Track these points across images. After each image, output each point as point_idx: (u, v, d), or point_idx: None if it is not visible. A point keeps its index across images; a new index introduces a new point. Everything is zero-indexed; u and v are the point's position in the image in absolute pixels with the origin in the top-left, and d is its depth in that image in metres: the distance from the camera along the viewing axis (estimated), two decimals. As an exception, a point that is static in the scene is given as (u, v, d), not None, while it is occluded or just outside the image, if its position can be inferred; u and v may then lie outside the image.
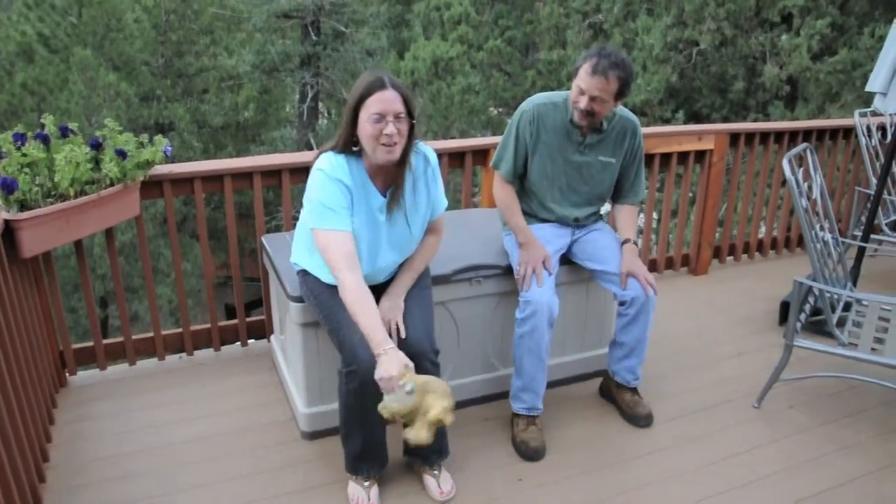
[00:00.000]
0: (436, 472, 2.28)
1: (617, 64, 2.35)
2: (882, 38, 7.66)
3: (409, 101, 2.02)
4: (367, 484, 2.22)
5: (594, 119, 2.46)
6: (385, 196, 2.15)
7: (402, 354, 1.91)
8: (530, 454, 2.45)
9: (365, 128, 1.99)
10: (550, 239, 2.59)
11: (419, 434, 1.86)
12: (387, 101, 1.96)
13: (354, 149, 2.08)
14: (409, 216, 2.19)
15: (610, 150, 2.59)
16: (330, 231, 2.03)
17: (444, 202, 2.34)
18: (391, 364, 1.87)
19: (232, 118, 12.69)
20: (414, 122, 2.07)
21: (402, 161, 2.10)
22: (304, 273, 2.33)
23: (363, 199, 2.12)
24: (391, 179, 2.14)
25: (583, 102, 2.40)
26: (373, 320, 1.95)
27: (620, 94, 2.42)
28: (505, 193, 2.65)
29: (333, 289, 2.21)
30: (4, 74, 10.83)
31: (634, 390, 2.71)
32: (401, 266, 2.30)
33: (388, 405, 1.86)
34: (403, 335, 2.14)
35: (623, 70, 2.36)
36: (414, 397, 1.86)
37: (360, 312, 1.96)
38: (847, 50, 7.88)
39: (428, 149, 2.25)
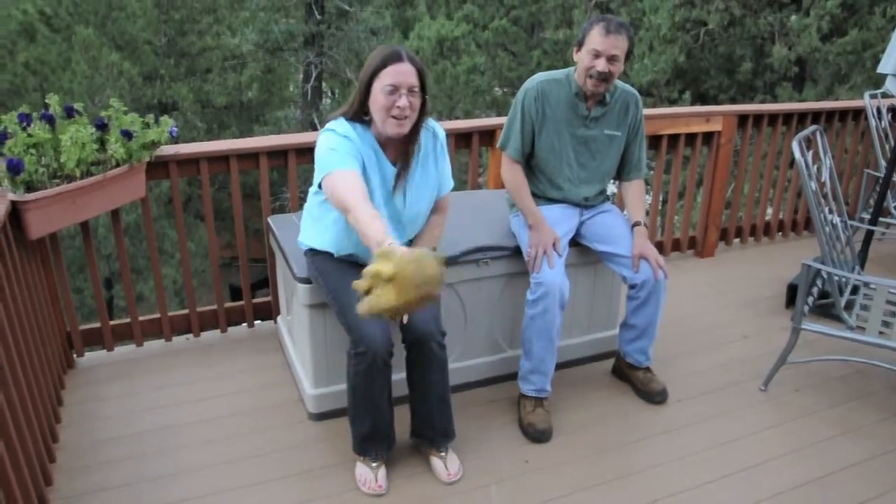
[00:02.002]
0: (443, 453, 2.29)
1: (623, 24, 2.42)
2: (894, 18, 7.56)
3: (423, 75, 2.02)
4: (374, 465, 2.23)
5: (608, 85, 2.47)
6: (395, 167, 2.15)
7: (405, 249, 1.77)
8: (537, 436, 2.46)
9: (378, 98, 1.99)
10: (559, 220, 2.58)
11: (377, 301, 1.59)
12: (402, 73, 1.96)
13: (365, 118, 2.08)
14: (417, 191, 2.19)
15: (615, 123, 2.60)
16: (337, 171, 1.97)
17: (451, 181, 2.35)
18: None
19: (235, 98, 12.64)
20: (426, 97, 2.06)
21: (412, 136, 2.10)
22: (311, 252, 2.33)
23: (375, 163, 2.11)
24: (400, 153, 2.15)
25: (600, 65, 2.40)
26: (376, 223, 1.81)
27: (628, 56, 2.46)
28: (513, 175, 2.64)
29: (342, 269, 2.21)
30: (6, 54, 10.78)
31: (647, 368, 2.72)
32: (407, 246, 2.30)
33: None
34: (405, 320, 2.15)
35: (629, 30, 2.43)
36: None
37: (365, 221, 1.82)
38: (857, 30, 7.77)
39: (437, 125, 2.25)
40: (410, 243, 2.29)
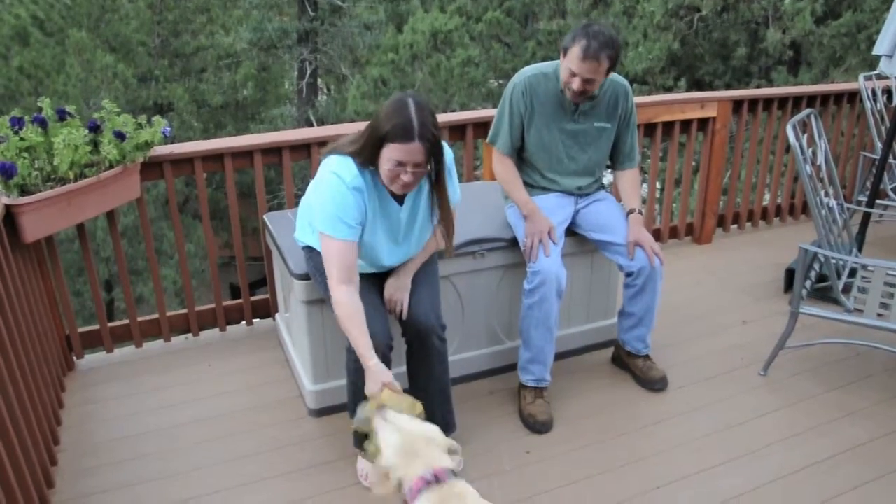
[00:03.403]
0: None
1: (606, 44, 2.32)
2: (888, 0, 7.54)
3: (434, 147, 1.97)
4: None
5: (585, 97, 2.47)
6: (401, 204, 2.14)
7: (385, 371, 1.94)
8: (538, 427, 2.46)
9: (384, 164, 1.97)
10: (554, 209, 2.58)
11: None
12: (409, 152, 1.92)
13: (372, 167, 2.05)
14: (428, 212, 2.19)
15: (604, 115, 2.58)
16: (338, 240, 2.01)
17: (458, 195, 2.32)
18: (372, 383, 1.93)
19: (231, 97, 12.60)
20: (439, 166, 2.05)
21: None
22: (309, 249, 2.32)
23: (380, 207, 2.11)
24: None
25: (575, 84, 2.39)
26: (363, 337, 1.97)
27: (610, 71, 2.42)
28: (504, 168, 2.64)
29: None
30: (0, 58, 10.75)
31: (647, 356, 2.72)
32: None
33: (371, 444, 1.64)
34: (405, 316, 2.17)
35: (612, 48, 2.35)
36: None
37: (352, 328, 1.98)
38: (851, 12, 7.75)
39: (444, 145, 2.23)
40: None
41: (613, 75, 2.59)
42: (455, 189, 2.27)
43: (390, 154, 1.94)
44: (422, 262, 2.30)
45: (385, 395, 1.84)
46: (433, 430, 1.59)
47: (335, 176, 2.01)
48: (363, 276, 2.20)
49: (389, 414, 1.64)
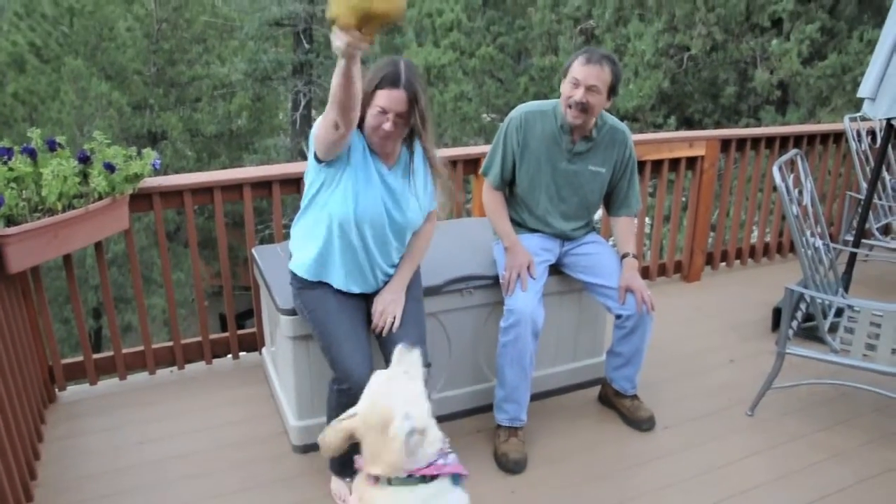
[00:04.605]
0: None
1: (608, 57, 2.41)
2: (871, 43, 7.69)
3: (418, 99, 2.04)
4: (347, 480, 2.24)
5: (588, 117, 2.45)
6: (391, 169, 2.18)
7: None
8: (510, 466, 2.43)
9: (369, 113, 2.05)
10: (537, 251, 2.58)
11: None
12: (393, 99, 2.01)
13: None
14: (410, 199, 2.22)
15: (600, 159, 2.58)
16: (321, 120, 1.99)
17: (435, 202, 2.39)
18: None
19: (225, 126, 12.68)
20: (423, 115, 2.08)
21: (411, 145, 2.19)
22: (298, 283, 2.30)
23: (361, 160, 2.12)
24: (393, 156, 2.19)
25: (578, 94, 2.39)
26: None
27: (612, 91, 2.44)
28: (492, 200, 2.66)
29: (327, 303, 2.20)
30: (-4, 85, 10.80)
31: (634, 396, 2.71)
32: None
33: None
34: (395, 329, 2.18)
35: (615, 64, 2.41)
36: None
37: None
38: (837, 54, 7.89)
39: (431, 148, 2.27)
40: (401, 258, 2.32)
41: (613, 119, 2.60)
42: (433, 194, 2.33)
43: (376, 101, 2.02)
44: (411, 271, 2.30)
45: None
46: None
47: None
48: (345, 294, 2.21)
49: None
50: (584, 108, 2.40)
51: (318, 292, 2.23)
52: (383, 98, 2.01)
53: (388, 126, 2.03)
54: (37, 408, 2.62)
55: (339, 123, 1.90)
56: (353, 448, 2.19)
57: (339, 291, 2.23)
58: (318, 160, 2.09)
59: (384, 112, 2.02)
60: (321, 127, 1.99)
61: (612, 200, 2.72)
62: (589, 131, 2.53)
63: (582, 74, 2.38)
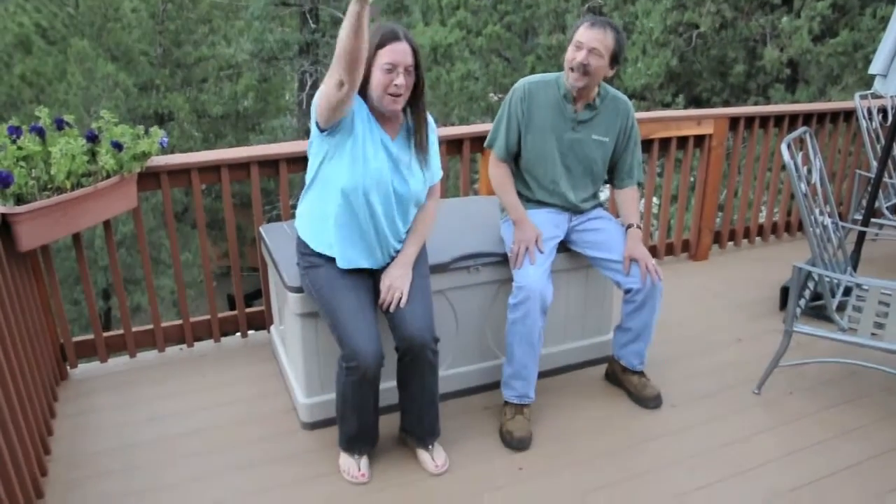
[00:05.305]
0: (430, 446, 2.35)
1: (612, 24, 2.44)
2: (885, 19, 7.59)
3: (418, 55, 2.08)
4: (356, 456, 2.29)
5: (590, 80, 2.45)
6: (394, 139, 2.18)
7: None
8: (514, 444, 2.44)
9: (376, 76, 2.05)
10: (545, 224, 2.58)
11: None
12: (399, 52, 2.03)
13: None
14: (415, 170, 2.23)
15: (603, 128, 2.60)
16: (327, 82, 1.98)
17: (440, 171, 2.40)
18: None
19: (231, 107, 12.64)
20: (422, 76, 2.12)
21: (416, 113, 2.20)
22: (305, 260, 2.31)
23: (368, 128, 2.13)
24: (394, 127, 2.20)
25: (580, 56, 2.42)
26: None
27: (615, 60, 2.46)
28: (499, 173, 2.66)
29: (334, 282, 2.20)
30: (2, 66, 10.79)
31: (642, 373, 2.72)
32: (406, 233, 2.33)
33: None
34: (402, 305, 2.19)
35: (618, 32, 2.44)
36: None
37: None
38: (848, 31, 7.79)
39: (427, 115, 2.29)
40: (408, 232, 2.32)
41: (615, 91, 2.61)
42: (437, 162, 2.36)
43: (381, 60, 2.03)
44: (418, 247, 2.31)
45: None
46: None
47: None
48: (352, 272, 2.22)
49: None
50: (586, 70, 2.42)
51: (325, 271, 2.24)
52: (388, 54, 2.02)
53: (399, 80, 2.04)
54: (49, 385, 2.65)
55: (345, 80, 1.89)
56: (363, 427, 2.24)
57: (346, 270, 2.23)
58: (321, 129, 2.08)
59: (393, 67, 2.03)
60: (323, 91, 1.98)
61: (616, 171, 2.73)
62: (592, 99, 2.54)
63: (585, 37, 2.42)
